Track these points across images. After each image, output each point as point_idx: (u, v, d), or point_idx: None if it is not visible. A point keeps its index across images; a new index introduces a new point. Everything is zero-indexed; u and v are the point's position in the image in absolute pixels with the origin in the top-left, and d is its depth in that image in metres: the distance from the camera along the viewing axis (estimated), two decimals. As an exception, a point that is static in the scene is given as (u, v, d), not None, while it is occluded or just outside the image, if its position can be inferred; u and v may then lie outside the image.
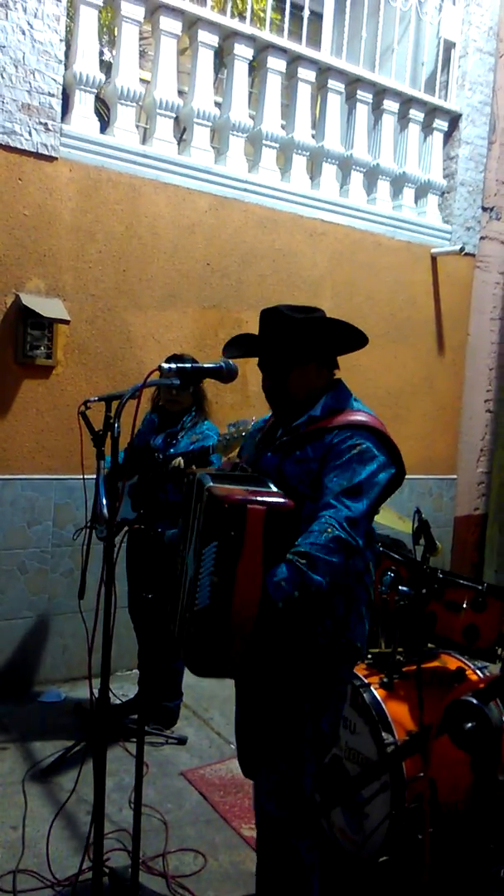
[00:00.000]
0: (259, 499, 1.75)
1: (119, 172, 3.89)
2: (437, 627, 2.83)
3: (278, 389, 2.02)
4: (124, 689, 3.68)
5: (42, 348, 3.72)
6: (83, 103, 3.87)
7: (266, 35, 4.40)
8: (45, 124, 3.65)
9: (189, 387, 3.15)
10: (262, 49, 4.44)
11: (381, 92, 4.92)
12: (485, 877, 1.56)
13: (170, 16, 4.08)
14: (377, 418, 1.99)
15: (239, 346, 2.13)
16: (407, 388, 5.11)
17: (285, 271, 4.49)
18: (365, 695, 2.52)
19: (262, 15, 4.79)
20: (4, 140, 3.55)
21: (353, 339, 2.00)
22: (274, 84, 4.51)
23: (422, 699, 2.44)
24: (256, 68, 4.62)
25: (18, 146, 3.59)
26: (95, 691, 1.96)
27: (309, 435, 1.95)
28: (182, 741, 3.36)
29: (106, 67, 4.28)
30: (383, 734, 2.44)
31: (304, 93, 4.64)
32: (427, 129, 5.25)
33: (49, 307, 3.67)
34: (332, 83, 4.71)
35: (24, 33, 3.56)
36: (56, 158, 3.70)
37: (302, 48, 4.53)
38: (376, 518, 2.05)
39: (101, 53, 4.43)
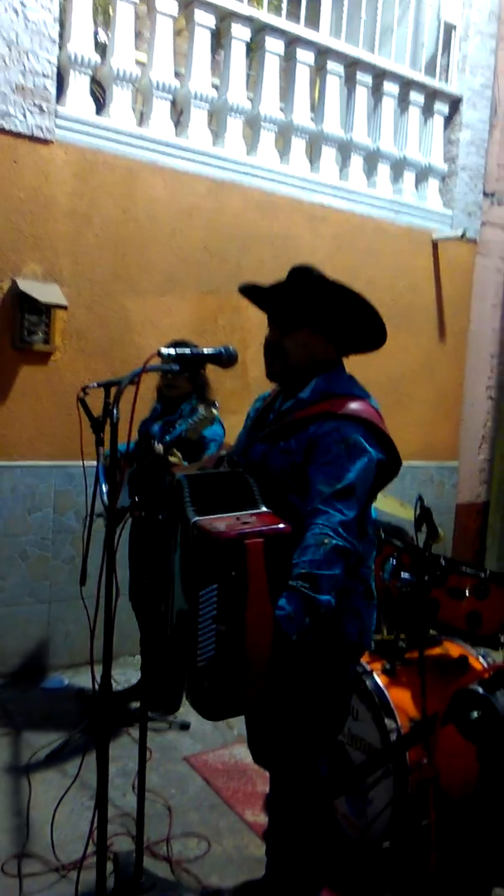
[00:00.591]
0: (255, 529, 1.57)
1: (115, 155, 3.85)
2: (439, 614, 2.82)
3: (277, 345, 1.93)
4: (127, 675, 3.69)
5: (40, 334, 3.69)
6: (78, 85, 3.82)
7: (264, 16, 4.34)
8: (40, 106, 3.60)
9: (185, 372, 3.12)
10: (260, 30, 4.38)
11: (380, 74, 4.86)
12: (492, 864, 1.56)
13: (167, -4, 4.02)
14: (373, 407, 1.89)
15: (256, 292, 2.01)
16: (408, 375, 5.08)
17: (285, 256, 4.43)
18: (367, 681, 2.52)
19: (260, -5, 4.72)
20: None
21: (372, 329, 1.92)
22: (272, 66, 4.45)
23: (424, 686, 2.44)
24: (254, 49, 4.55)
25: (13, 129, 3.54)
26: (98, 677, 1.94)
27: (294, 425, 1.85)
28: (185, 727, 3.37)
29: (101, 48, 4.22)
30: (386, 721, 2.44)
31: (302, 74, 4.58)
32: (427, 112, 5.19)
33: (46, 292, 3.64)
34: (331, 65, 4.65)
35: (16, 13, 3.50)
36: (51, 141, 3.66)
37: (300, 29, 4.47)
38: (377, 505, 2.02)
39: (96, 34, 4.37)
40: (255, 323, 3.78)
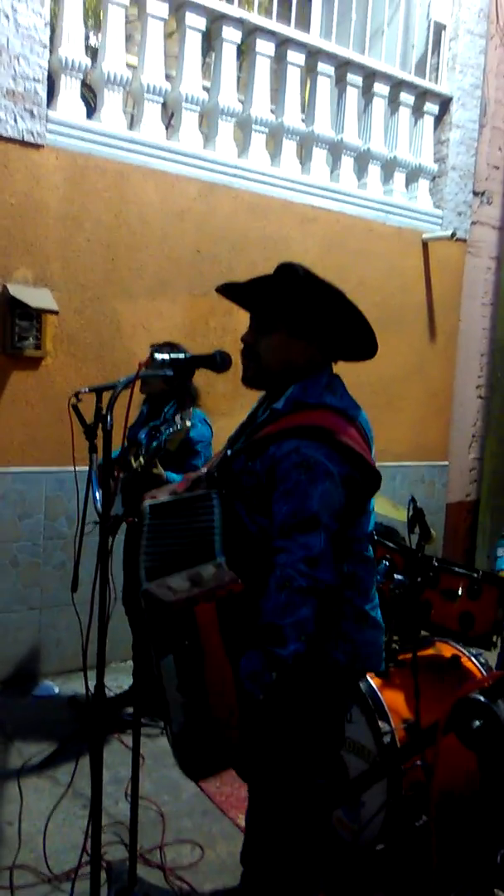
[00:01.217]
0: (205, 590, 1.52)
1: (106, 159, 3.84)
2: (432, 615, 2.84)
3: (251, 347, 1.81)
4: (118, 680, 3.67)
5: (31, 339, 3.67)
6: (69, 89, 3.81)
7: (254, 17, 4.34)
8: (31, 111, 3.58)
9: (179, 377, 3.10)
10: (251, 32, 4.38)
11: (371, 75, 4.86)
12: (489, 866, 1.56)
13: (156, -2, 4.01)
14: (345, 419, 1.71)
15: (236, 291, 1.89)
16: (399, 375, 5.09)
17: (276, 258, 4.37)
18: (361, 684, 2.52)
19: (249, -3, 4.71)
20: (-11, 127, 3.49)
21: (361, 337, 1.77)
22: (263, 68, 4.45)
23: (418, 687, 2.44)
24: (245, 52, 4.55)
25: (4, 133, 3.52)
26: (90, 684, 1.94)
27: (258, 445, 1.71)
28: (178, 732, 3.36)
29: (92, 52, 4.20)
30: (380, 723, 2.44)
31: (293, 76, 4.57)
32: (418, 112, 5.20)
33: (37, 297, 3.62)
34: (321, 66, 4.65)
35: (7, 18, 3.49)
36: (42, 145, 3.64)
37: (291, 31, 4.47)
38: None
39: (87, 38, 4.35)
40: (248, 325, 3.77)
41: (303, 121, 4.70)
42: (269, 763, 1.81)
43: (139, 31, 4.18)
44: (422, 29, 5.21)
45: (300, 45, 4.53)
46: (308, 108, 4.81)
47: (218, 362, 2.04)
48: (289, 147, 4.58)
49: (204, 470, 1.99)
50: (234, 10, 4.26)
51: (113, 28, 3.93)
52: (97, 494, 1.93)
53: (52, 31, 3.74)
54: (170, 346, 3.22)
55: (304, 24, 4.68)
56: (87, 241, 3.82)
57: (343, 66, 4.75)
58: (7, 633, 3.76)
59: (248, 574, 1.63)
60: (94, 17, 4.88)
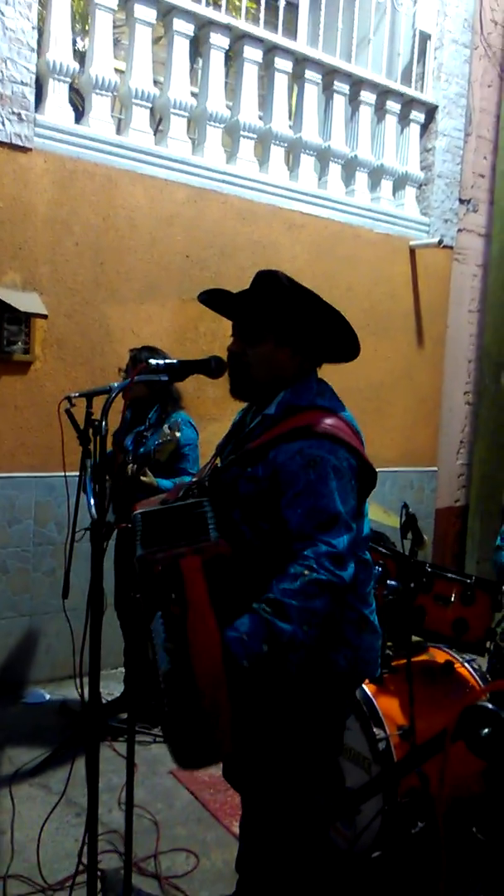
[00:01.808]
0: (192, 547, 1.55)
1: (95, 163, 3.83)
2: (425, 621, 2.83)
3: (239, 357, 1.79)
4: (109, 687, 3.64)
5: (19, 343, 3.65)
6: (57, 93, 3.79)
7: (242, 24, 4.35)
8: (19, 114, 3.57)
9: (175, 381, 3.09)
10: (238, 38, 4.39)
11: (357, 83, 4.90)
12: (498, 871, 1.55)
13: (144, 4, 4.01)
14: (339, 417, 1.73)
15: (217, 299, 1.87)
16: (387, 381, 5.11)
17: (264, 264, 4.39)
18: (355, 690, 2.51)
19: (237, 3, 4.73)
20: (-23, 130, 3.47)
21: (344, 340, 1.77)
22: (250, 74, 4.47)
23: (412, 694, 2.44)
24: (232, 58, 4.56)
25: (-8, 137, 3.51)
26: (82, 691, 1.91)
27: (256, 452, 1.71)
28: (169, 740, 3.33)
29: (80, 56, 4.20)
30: (374, 730, 2.44)
31: (280, 83, 4.59)
32: (404, 120, 5.24)
33: (26, 301, 3.60)
34: (308, 74, 4.68)
35: (-5, 21, 3.47)
36: (30, 149, 3.62)
37: (278, 38, 4.49)
38: None
39: (75, 42, 4.35)
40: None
41: (290, 127, 4.72)
42: (266, 771, 1.80)
43: (127, 36, 4.18)
44: (407, 38, 5.26)
45: (287, 53, 4.55)
46: (295, 115, 4.83)
47: (213, 368, 2.03)
48: (277, 153, 4.60)
49: (194, 479, 1.97)
50: (222, 17, 4.27)
51: (101, 32, 3.92)
52: (92, 500, 1.91)
53: (40, 34, 3.73)
54: (149, 351, 3.21)
55: (291, 31, 4.71)
56: (75, 245, 3.80)
57: (330, 74, 4.78)
58: (-4, 641, 3.73)
59: (242, 576, 1.62)
60: (81, 22, 4.87)
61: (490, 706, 1.30)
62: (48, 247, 3.72)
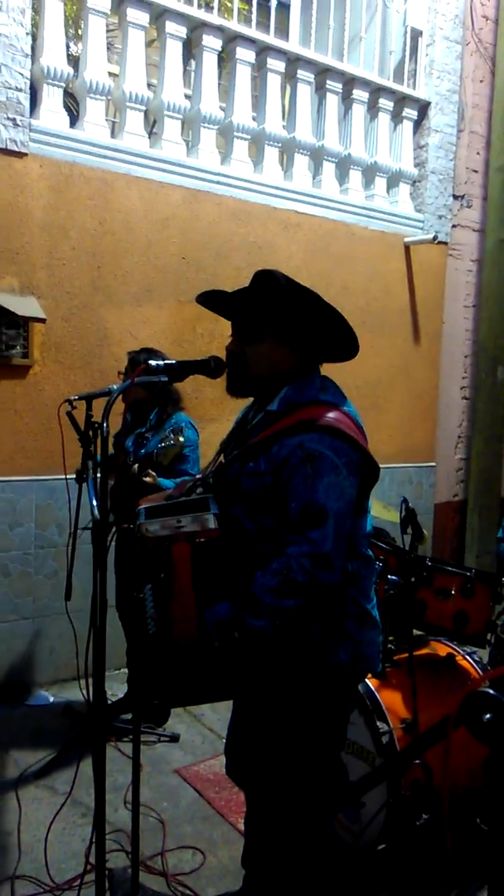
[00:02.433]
0: (185, 532, 1.68)
1: (90, 167, 3.84)
2: (426, 615, 2.86)
3: (238, 355, 1.82)
4: (113, 688, 3.66)
5: (18, 347, 3.66)
6: (52, 97, 3.81)
7: (234, 25, 4.37)
8: (14, 120, 3.58)
9: (174, 382, 3.12)
10: (231, 40, 4.41)
11: (350, 81, 4.91)
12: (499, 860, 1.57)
13: (136, 7, 4.03)
14: (342, 412, 1.74)
15: (215, 300, 1.89)
16: (384, 378, 5.13)
17: (261, 264, 4.39)
18: (357, 685, 2.53)
19: (229, 5, 4.75)
20: (-28, 136, 3.49)
21: (342, 339, 1.78)
22: (243, 75, 4.48)
23: (415, 687, 2.46)
24: (225, 59, 4.58)
25: (-13, 142, 3.53)
26: (86, 692, 1.93)
27: (258, 446, 1.74)
28: (174, 738, 3.35)
29: (74, 61, 4.21)
30: (378, 723, 2.46)
31: (273, 83, 4.61)
32: (397, 117, 5.26)
33: (24, 306, 3.62)
34: (301, 73, 4.69)
35: (-12, 27, 3.49)
36: (26, 154, 3.64)
37: (270, 38, 4.50)
38: None
39: (68, 47, 4.36)
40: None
41: (284, 127, 4.74)
42: (268, 764, 1.82)
43: (120, 40, 4.19)
44: (399, 35, 5.28)
45: (280, 53, 4.57)
46: (289, 114, 4.84)
47: (212, 368, 2.04)
48: (271, 153, 4.61)
49: (198, 476, 2.00)
50: (214, 19, 4.29)
51: (94, 37, 3.94)
52: (94, 501, 1.93)
53: (34, 40, 3.74)
54: (147, 353, 3.22)
55: (283, 31, 4.72)
56: (72, 249, 3.82)
57: (322, 73, 4.80)
58: (0, 643, 3.74)
59: (242, 565, 1.67)
60: (75, 26, 4.88)
61: (492, 692, 1.32)
62: (45, 251, 3.73)
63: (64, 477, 2.75)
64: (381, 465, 1.81)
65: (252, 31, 4.44)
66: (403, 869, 2.39)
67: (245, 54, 4.44)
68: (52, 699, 3.72)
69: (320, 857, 1.89)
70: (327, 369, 1.91)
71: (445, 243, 5.42)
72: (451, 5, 5.30)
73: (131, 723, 2.81)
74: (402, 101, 5.20)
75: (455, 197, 5.53)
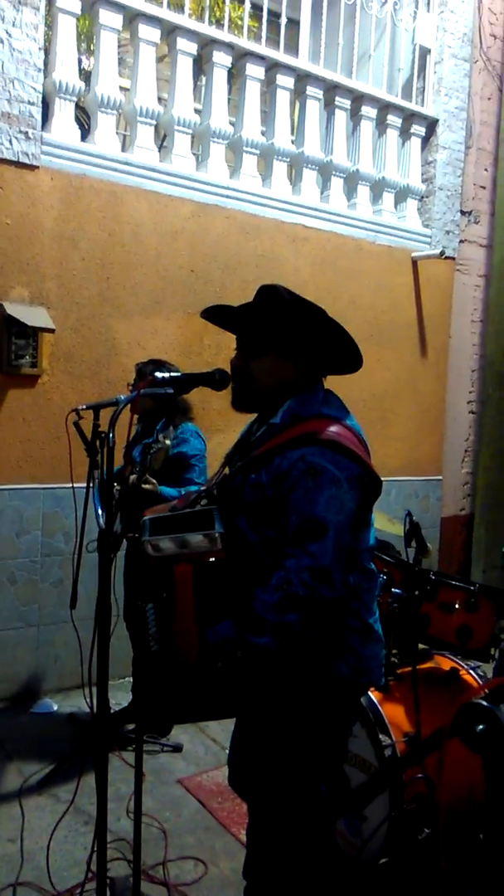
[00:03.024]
0: (186, 553, 1.67)
1: (101, 180, 3.89)
2: (430, 629, 2.85)
3: (243, 369, 1.83)
4: (116, 698, 3.66)
5: (27, 357, 3.70)
6: (63, 111, 3.87)
7: (244, 42, 4.43)
8: (26, 133, 3.64)
9: (180, 394, 3.14)
10: (241, 56, 4.47)
11: (358, 98, 4.97)
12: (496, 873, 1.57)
13: (148, 24, 4.09)
14: (344, 426, 1.75)
15: (220, 314, 1.91)
16: (391, 391, 5.15)
17: (268, 277, 4.50)
18: (361, 698, 2.53)
19: (239, 22, 4.82)
20: (-15, 149, 3.54)
21: (346, 352, 1.80)
22: (253, 91, 4.54)
23: (418, 701, 2.46)
24: (235, 75, 4.64)
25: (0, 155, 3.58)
26: (90, 701, 1.94)
27: (260, 458, 1.74)
28: (178, 749, 3.35)
29: (85, 76, 4.28)
30: (381, 737, 2.46)
31: (282, 99, 4.66)
32: (405, 134, 5.30)
33: (33, 316, 3.66)
34: (310, 90, 4.75)
35: (2, 42, 3.55)
36: (37, 167, 3.69)
37: (280, 55, 4.56)
38: None
39: (80, 62, 4.43)
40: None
41: (293, 143, 4.79)
42: (271, 778, 1.82)
43: (132, 55, 4.25)
44: (407, 53, 5.34)
45: (289, 69, 4.62)
46: (298, 130, 4.90)
47: (217, 380, 2.06)
48: (279, 168, 4.66)
49: (203, 487, 2.02)
50: (225, 35, 4.35)
51: (106, 52, 4.00)
52: (100, 511, 1.95)
53: (47, 54, 3.81)
54: (155, 364, 3.24)
55: (292, 48, 4.78)
56: (82, 261, 3.86)
57: (331, 90, 4.85)
58: (5, 651, 3.75)
59: (245, 577, 1.68)
60: (87, 42, 4.96)
61: (485, 703, 1.33)
62: (55, 262, 3.78)
63: (71, 485, 2.77)
64: (387, 479, 1.81)
65: (262, 48, 4.50)
66: (405, 883, 2.38)
67: (255, 70, 4.50)
68: (56, 707, 3.73)
69: (322, 869, 1.89)
70: (335, 382, 1.92)
71: (453, 258, 5.45)
72: (459, 24, 5.36)
73: (135, 732, 2.82)
74: (410, 117, 5.25)
75: (463, 213, 5.57)
